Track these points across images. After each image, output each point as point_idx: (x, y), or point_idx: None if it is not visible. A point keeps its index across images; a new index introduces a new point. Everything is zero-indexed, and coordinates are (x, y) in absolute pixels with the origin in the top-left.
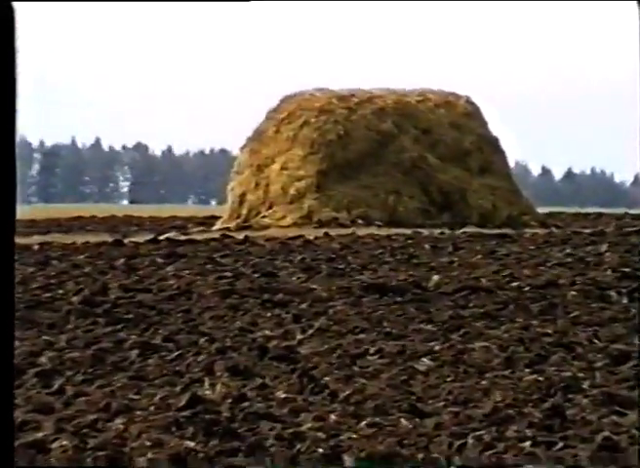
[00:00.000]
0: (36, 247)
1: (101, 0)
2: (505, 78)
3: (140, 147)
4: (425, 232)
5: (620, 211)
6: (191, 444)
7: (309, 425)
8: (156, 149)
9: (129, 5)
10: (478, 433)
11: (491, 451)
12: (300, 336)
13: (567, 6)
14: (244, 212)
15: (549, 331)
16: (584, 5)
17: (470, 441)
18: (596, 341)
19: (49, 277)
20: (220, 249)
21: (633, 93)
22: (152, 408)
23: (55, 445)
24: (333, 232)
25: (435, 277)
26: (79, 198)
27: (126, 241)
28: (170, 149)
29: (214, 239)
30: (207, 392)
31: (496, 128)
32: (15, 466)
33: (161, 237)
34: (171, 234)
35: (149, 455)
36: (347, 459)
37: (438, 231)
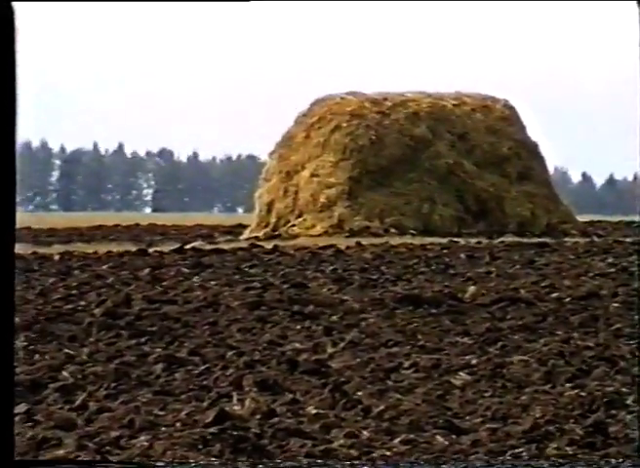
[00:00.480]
0: (57, 257)
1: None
2: (541, 82)
3: (165, 153)
4: (461, 241)
5: None
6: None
7: (341, 442)
8: (182, 155)
9: (151, 5)
10: (516, 450)
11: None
12: (331, 350)
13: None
14: (272, 220)
15: (591, 345)
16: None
17: (508, 459)
18: None
19: (70, 288)
20: (248, 258)
21: None
22: (178, 424)
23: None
24: (365, 241)
25: (472, 288)
26: (101, 206)
27: (150, 250)
28: (196, 155)
29: (241, 248)
30: (235, 407)
31: (535, 133)
32: (14, 460)
33: (187, 246)
34: (197, 243)
35: None
36: None
37: (474, 240)
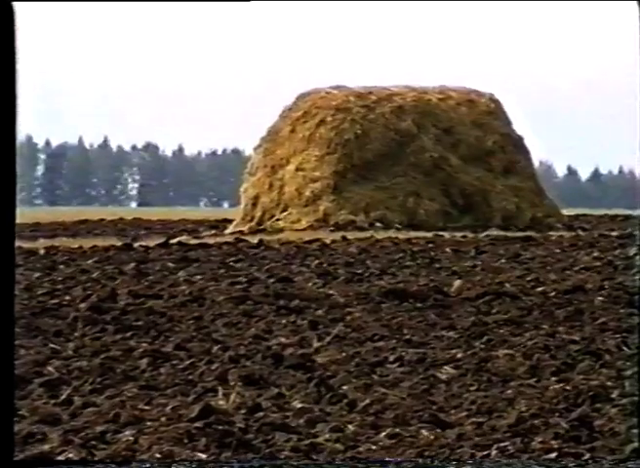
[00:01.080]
0: (42, 251)
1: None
2: (528, 76)
3: (150, 147)
4: (447, 235)
5: None
6: (203, 456)
7: (327, 436)
8: (167, 149)
9: (136, 3)
10: (502, 444)
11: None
12: (316, 344)
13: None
14: (258, 214)
15: (576, 338)
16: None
17: (494, 452)
18: (625, 348)
19: (55, 282)
20: (234, 253)
21: None
22: (163, 418)
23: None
24: (350, 235)
25: (457, 282)
26: (86, 200)
27: (135, 245)
28: (181, 149)
29: (227, 243)
30: (220, 402)
31: (520, 126)
32: (14, 460)
33: (172, 241)
34: (182, 238)
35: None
36: None
37: (460, 234)
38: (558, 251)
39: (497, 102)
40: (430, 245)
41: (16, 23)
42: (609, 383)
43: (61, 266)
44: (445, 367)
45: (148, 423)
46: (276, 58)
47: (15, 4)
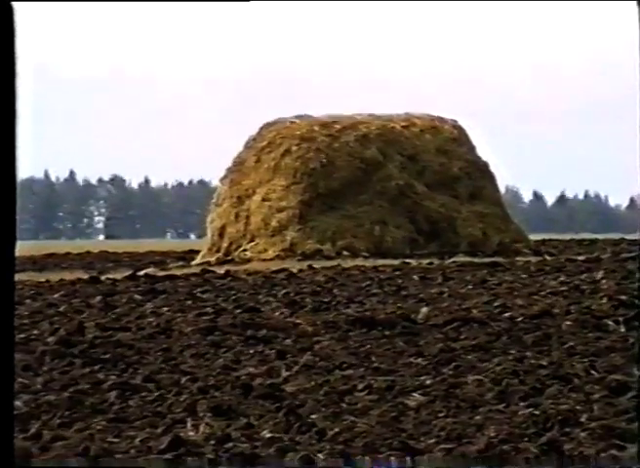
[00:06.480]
0: None
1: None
2: (493, 100)
3: (117, 180)
4: (413, 262)
5: (616, 236)
6: None
7: (296, 465)
8: (133, 182)
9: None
10: None
11: None
12: (285, 373)
13: (565, 6)
14: (224, 245)
15: (544, 363)
16: (584, 5)
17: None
18: (593, 372)
19: (22, 317)
20: (201, 284)
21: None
22: (133, 451)
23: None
24: (317, 265)
25: (425, 309)
26: (53, 234)
27: (102, 278)
28: (147, 181)
29: (194, 274)
30: (190, 433)
31: (485, 152)
32: (14, 465)
33: (139, 273)
34: (149, 270)
35: None
36: None
37: (427, 261)
38: (525, 276)
39: (460, 129)
40: (397, 272)
41: (15, 23)
42: (578, 407)
43: (28, 300)
44: (414, 394)
45: (118, 456)
46: (240, 88)
47: (14, 4)
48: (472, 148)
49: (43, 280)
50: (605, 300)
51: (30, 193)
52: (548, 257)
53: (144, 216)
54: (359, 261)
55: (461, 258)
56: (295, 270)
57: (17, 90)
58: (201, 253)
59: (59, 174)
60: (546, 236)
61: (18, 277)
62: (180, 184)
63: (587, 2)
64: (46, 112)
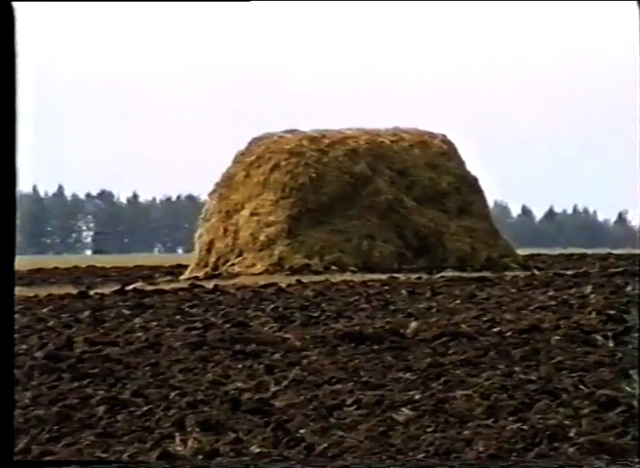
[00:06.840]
0: None
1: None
2: (482, 114)
3: (105, 195)
4: (402, 277)
5: (604, 251)
6: None
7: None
8: (121, 196)
9: (94, 41)
10: None
11: None
12: (273, 388)
13: (565, 6)
14: (212, 260)
15: (533, 378)
16: (584, 5)
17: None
18: (582, 387)
19: None
20: (189, 298)
21: (620, 122)
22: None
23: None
24: (305, 279)
25: (413, 324)
26: (41, 249)
27: (91, 292)
28: (136, 196)
29: (182, 289)
30: (178, 448)
31: (474, 167)
32: (14, 460)
33: (127, 288)
34: (137, 284)
35: None
36: None
37: (415, 276)
38: (513, 290)
39: (449, 144)
40: (385, 287)
41: (16, 24)
42: (566, 422)
43: (17, 315)
44: (402, 408)
45: None
46: (231, 103)
47: (15, 4)
48: (461, 163)
49: (31, 295)
50: (594, 315)
51: (18, 208)
52: (537, 272)
53: (133, 231)
54: (347, 276)
55: (450, 273)
56: (283, 285)
57: (17, 89)
58: (189, 268)
59: (47, 188)
60: (535, 251)
61: None
62: (169, 199)
63: (587, 2)
64: (34, 126)
